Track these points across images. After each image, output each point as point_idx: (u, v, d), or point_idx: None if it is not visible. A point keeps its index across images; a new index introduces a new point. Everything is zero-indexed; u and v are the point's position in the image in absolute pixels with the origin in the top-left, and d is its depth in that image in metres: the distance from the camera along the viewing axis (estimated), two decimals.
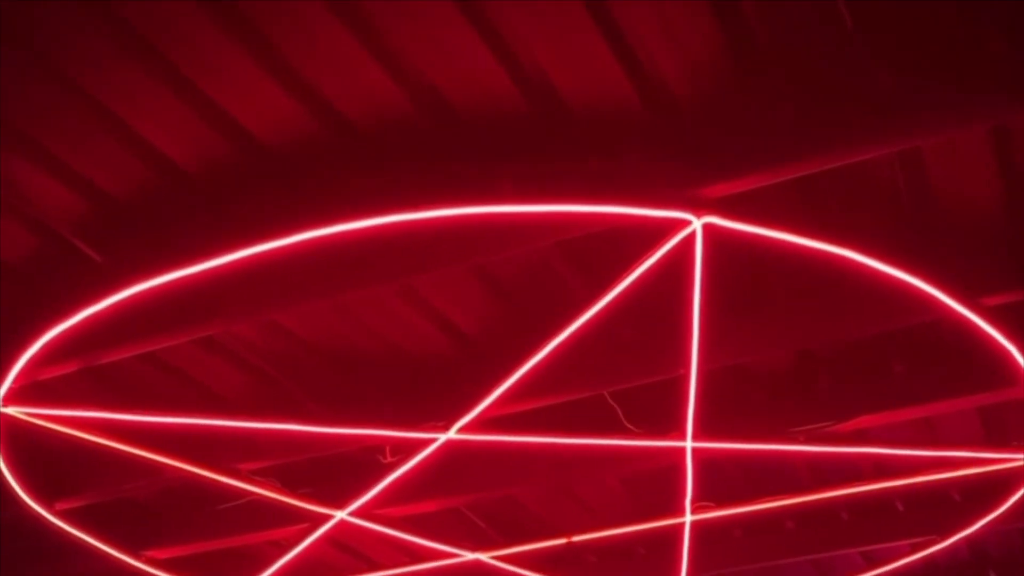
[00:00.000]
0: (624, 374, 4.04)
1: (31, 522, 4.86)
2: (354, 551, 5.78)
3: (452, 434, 4.18)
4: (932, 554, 5.39)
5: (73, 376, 4.06)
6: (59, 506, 4.89)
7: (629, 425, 4.29)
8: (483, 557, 5.31)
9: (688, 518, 4.91)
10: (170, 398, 4.29)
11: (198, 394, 4.32)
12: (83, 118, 3.09)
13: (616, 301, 3.51)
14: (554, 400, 4.11)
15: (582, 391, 4.11)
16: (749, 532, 5.62)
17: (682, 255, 3.30)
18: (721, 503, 4.91)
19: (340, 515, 4.83)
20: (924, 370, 4.18)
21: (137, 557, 5.33)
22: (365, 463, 4.59)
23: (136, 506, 5.30)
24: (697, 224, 3.16)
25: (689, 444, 4.28)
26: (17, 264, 3.61)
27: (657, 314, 3.66)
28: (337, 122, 3.09)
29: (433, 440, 4.23)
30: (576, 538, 5.19)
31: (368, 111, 3.05)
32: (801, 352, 4.26)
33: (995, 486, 4.63)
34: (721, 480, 4.92)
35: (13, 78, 2.97)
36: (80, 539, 4.97)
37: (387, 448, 4.47)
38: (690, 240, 3.23)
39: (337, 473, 4.76)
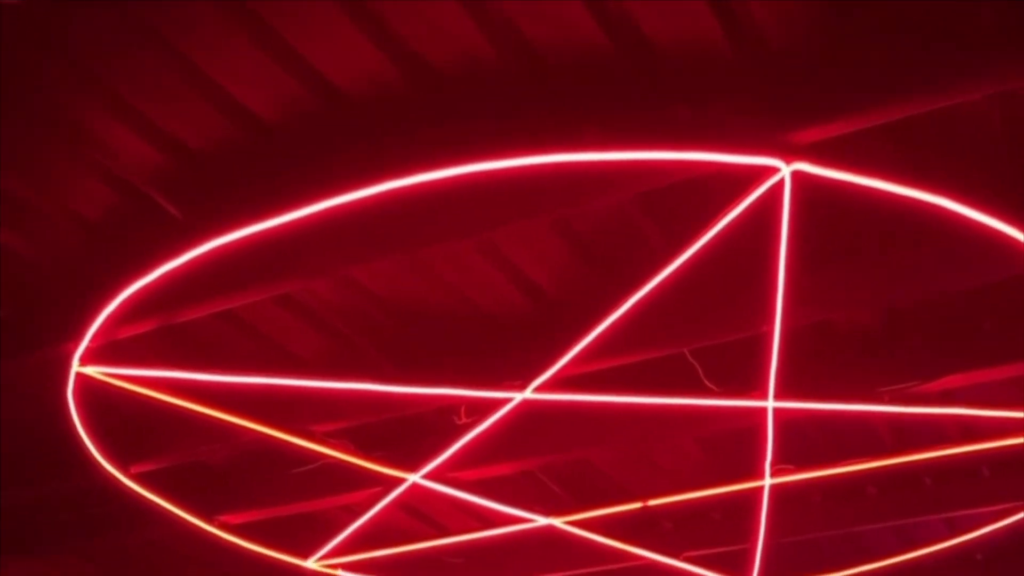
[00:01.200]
0: (705, 331, 4.02)
1: (106, 486, 4.95)
2: (425, 516, 5.82)
3: (528, 394, 4.19)
4: (1017, 522, 5.31)
5: (150, 335, 4.12)
6: (134, 469, 4.97)
7: (709, 384, 4.26)
8: (556, 522, 5.32)
9: (767, 481, 4.88)
10: (246, 358, 4.33)
11: (274, 354, 4.36)
12: (163, 70, 3.12)
13: (699, 255, 3.49)
14: (632, 359, 4.09)
15: (662, 349, 4.08)
16: (829, 497, 5.57)
17: (769, 206, 3.27)
18: (801, 466, 4.89)
19: (413, 478, 4.86)
20: (1016, 328, 4.10)
21: (211, 522, 5.40)
22: (439, 425, 4.61)
23: (210, 470, 5.37)
24: (786, 171, 3.12)
25: (771, 404, 4.26)
26: (96, 220, 3.67)
27: (741, 269, 3.62)
28: (420, 71, 3.09)
29: (508, 400, 4.25)
30: (652, 502, 5.18)
31: (451, 59, 3.04)
32: (888, 309, 4.21)
33: None
34: (802, 442, 4.90)
35: (93, 30, 3.01)
36: (154, 504, 5.06)
37: (462, 409, 4.49)
38: (778, 189, 3.20)
39: (411, 436, 4.79)
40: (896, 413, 4.49)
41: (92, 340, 3.92)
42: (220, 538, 5.41)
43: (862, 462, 4.89)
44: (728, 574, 5.71)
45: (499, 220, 3.36)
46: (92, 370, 4.12)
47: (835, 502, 5.60)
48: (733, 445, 5.04)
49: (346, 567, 5.69)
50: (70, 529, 5.95)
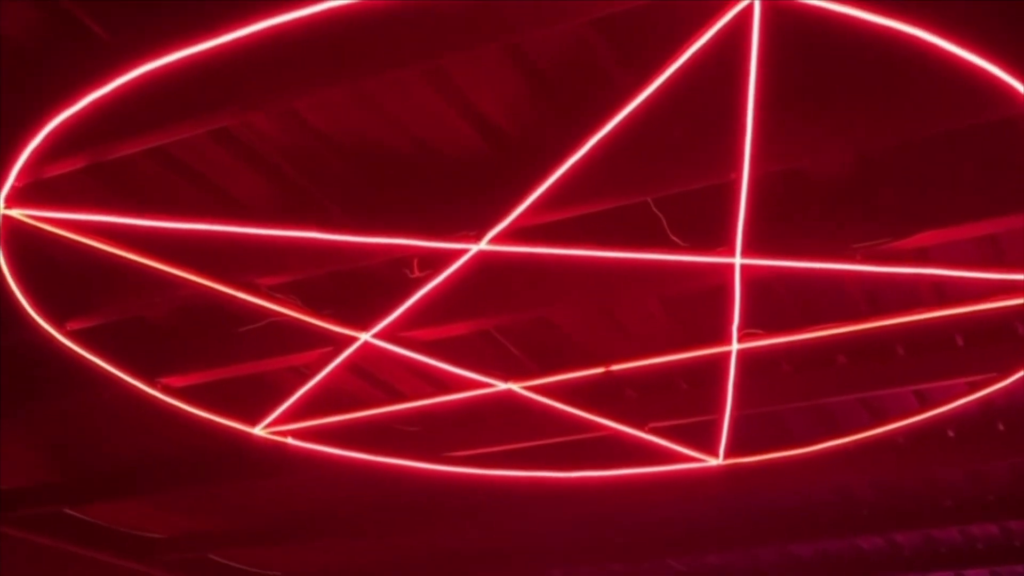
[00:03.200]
0: (670, 178, 3.97)
1: (40, 345, 4.88)
2: (377, 380, 5.82)
3: (484, 245, 4.13)
4: (990, 394, 5.34)
5: (80, 176, 4.04)
6: (70, 326, 4.90)
7: (674, 238, 4.23)
8: (515, 387, 5.31)
9: (735, 346, 4.88)
10: (185, 203, 4.26)
11: (215, 199, 4.29)
12: None
13: (663, 92, 3.41)
14: (594, 207, 4.05)
15: (625, 197, 4.04)
16: (798, 367, 5.61)
17: (737, 37, 3.19)
18: (770, 331, 4.88)
19: (364, 337, 4.81)
20: (996, 180, 4.07)
21: (152, 385, 5.36)
22: (391, 280, 4.58)
23: (151, 328, 5.32)
24: None
25: (738, 260, 4.22)
26: (15, 41, 3.54)
27: (707, 110, 3.57)
28: None
29: (463, 252, 4.20)
30: (615, 367, 5.18)
31: None
32: (862, 157, 4.16)
33: None
34: (771, 306, 4.89)
35: None
36: (93, 364, 4.99)
37: (415, 261, 4.44)
38: (747, 16, 3.13)
39: (361, 292, 4.75)
40: (868, 273, 4.48)
41: (17, 179, 3.82)
42: (162, 402, 5.38)
43: (833, 326, 4.89)
44: (694, 447, 5.77)
45: (448, 46, 3.28)
46: (18, 212, 4.02)
47: (804, 372, 5.64)
48: (699, 308, 5.05)
49: (296, 434, 5.69)
50: (4, 394, 5.91)
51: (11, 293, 4.41)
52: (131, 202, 4.23)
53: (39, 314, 4.63)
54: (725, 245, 4.12)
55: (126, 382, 5.18)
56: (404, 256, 4.40)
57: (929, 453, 6.63)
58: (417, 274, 4.47)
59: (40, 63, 3.54)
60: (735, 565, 9.18)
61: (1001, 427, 6.50)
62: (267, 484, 7.15)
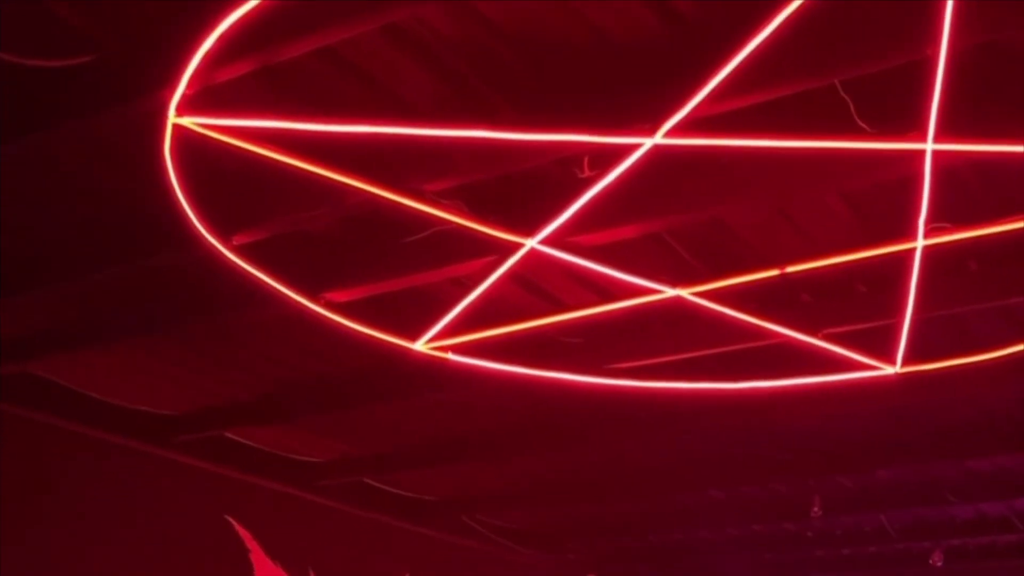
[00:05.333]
0: (859, 57, 3.86)
1: (205, 261, 5.01)
2: (541, 290, 5.85)
3: (659, 138, 4.10)
4: None
5: (248, 81, 4.11)
6: (235, 240, 5.02)
7: (861, 123, 4.13)
8: (684, 293, 5.27)
9: (920, 242, 4.77)
10: (351, 104, 4.30)
11: (382, 100, 4.33)
12: None
13: None
14: (777, 93, 3.97)
15: (810, 80, 3.95)
16: (986, 263, 5.45)
17: None
18: (959, 225, 4.76)
19: (530, 243, 4.82)
20: None
21: (316, 301, 5.46)
22: (560, 182, 4.57)
23: (314, 242, 5.40)
24: None
25: (930, 146, 4.11)
26: None
27: None
28: None
29: (637, 146, 4.16)
30: (790, 269, 5.11)
31: None
32: None
33: None
34: (960, 198, 4.76)
35: None
36: (256, 280, 5.10)
37: (585, 159, 4.43)
38: None
39: (529, 196, 4.75)
40: None
41: (188, 85, 3.90)
42: (325, 319, 5.49)
43: None
44: (870, 355, 5.68)
45: None
46: (189, 121, 4.11)
47: (992, 269, 5.47)
48: (883, 203, 4.94)
49: (457, 349, 5.75)
50: (165, 311, 6.10)
51: (179, 207, 4.52)
52: (299, 107, 4.28)
53: (206, 228, 4.75)
54: (916, 130, 4.02)
55: (290, 298, 5.30)
56: (574, 155, 4.40)
57: None
58: (587, 173, 4.45)
59: None
60: (908, 481, 9.05)
61: None
62: (426, 404, 7.28)
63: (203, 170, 4.38)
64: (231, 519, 8.46)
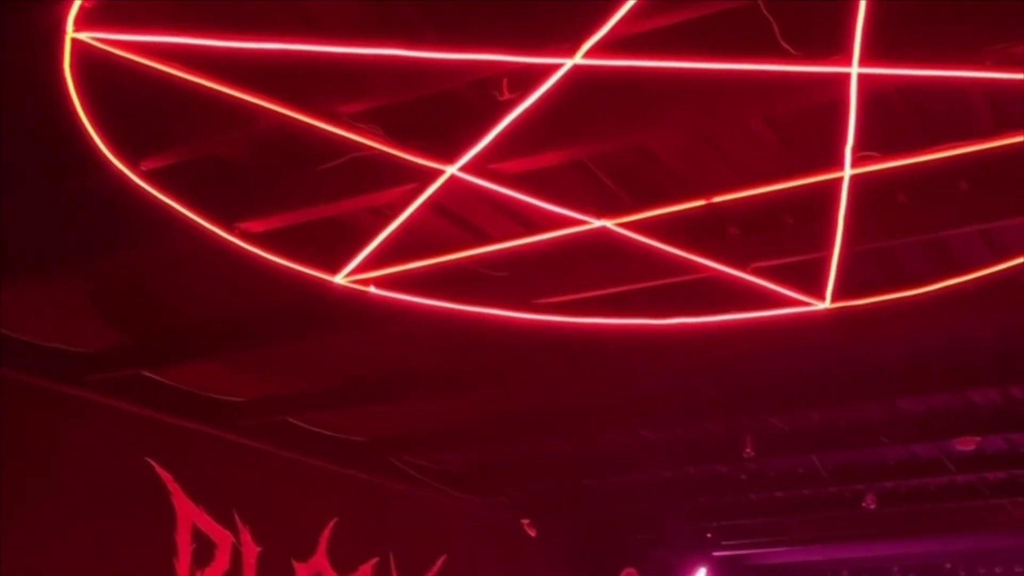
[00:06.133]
0: None
1: (111, 189, 4.89)
2: (464, 221, 5.79)
3: (578, 59, 4.04)
4: None
5: None
6: (144, 166, 4.90)
7: (786, 45, 4.09)
8: (610, 224, 5.23)
9: (847, 171, 4.75)
10: (262, 20, 4.20)
11: (294, 15, 4.23)
12: None
13: None
14: (697, 12, 3.94)
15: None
16: (916, 196, 5.46)
17: None
18: (887, 154, 4.75)
19: (451, 170, 4.75)
20: None
21: (230, 230, 5.36)
22: (479, 105, 4.50)
23: (227, 168, 5.30)
24: None
25: (855, 69, 4.09)
26: None
27: None
28: None
29: (557, 67, 4.10)
30: (717, 199, 5.08)
31: None
32: None
33: None
34: (888, 125, 4.75)
35: None
36: (167, 208, 4.96)
37: (504, 81, 4.36)
38: None
39: (447, 121, 4.68)
40: (998, 81, 4.33)
41: None
42: (240, 250, 5.38)
43: (956, 146, 4.73)
44: (800, 290, 5.68)
45: None
46: (88, 36, 3.98)
47: (922, 202, 5.49)
48: (809, 130, 4.92)
49: (378, 283, 5.68)
50: (70, 245, 5.96)
51: (82, 129, 4.39)
52: (206, 23, 4.16)
53: (112, 152, 4.63)
54: (841, 53, 3.99)
55: (203, 227, 5.19)
56: (494, 76, 4.33)
57: None
58: (507, 96, 4.38)
59: None
60: (840, 423, 9.16)
61: None
62: (348, 341, 7.22)
63: (107, 90, 4.25)
64: (151, 461, 8.37)
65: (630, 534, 12.69)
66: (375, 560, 10.21)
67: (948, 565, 14.39)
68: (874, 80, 4.15)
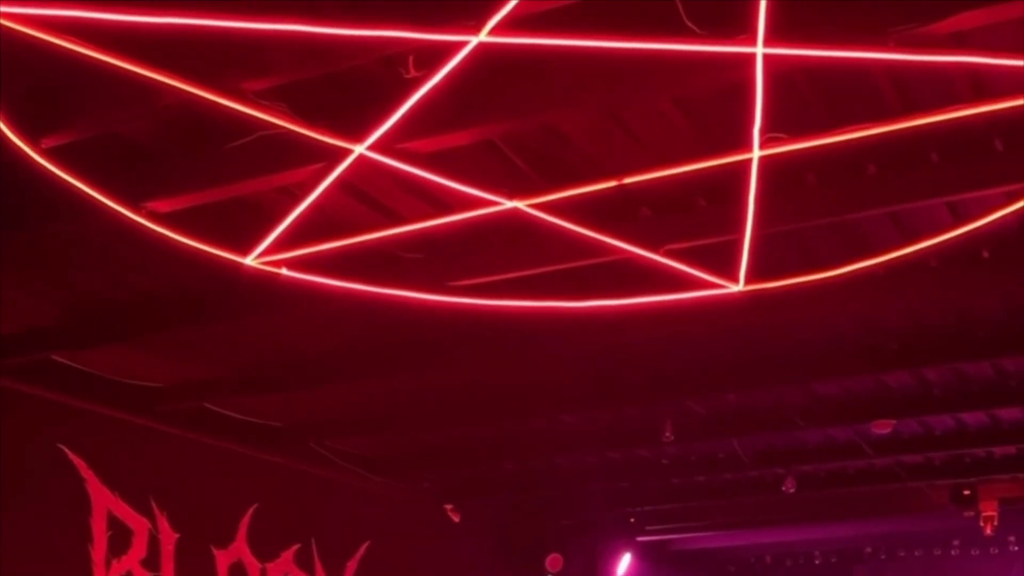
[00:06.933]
0: None
1: (10, 167, 4.79)
2: (375, 201, 5.75)
3: (484, 36, 4.02)
4: None
5: None
6: (44, 143, 4.81)
7: (691, 24, 4.11)
8: (521, 205, 5.22)
9: (756, 153, 4.78)
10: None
11: None
12: None
13: None
14: None
15: None
16: (825, 178, 5.52)
17: None
18: (795, 136, 4.78)
19: (359, 149, 4.72)
20: None
21: (136, 210, 5.28)
22: (385, 83, 4.47)
23: (132, 147, 5.23)
24: None
25: (760, 49, 4.11)
26: None
27: None
28: None
29: (463, 44, 4.08)
30: (628, 180, 5.09)
31: None
32: None
33: None
34: (795, 106, 4.79)
35: None
36: (70, 187, 4.88)
37: (410, 58, 4.34)
38: None
39: (355, 99, 4.65)
40: (902, 62, 4.38)
41: None
42: (147, 231, 5.31)
43: (864, 127, 4.78)
44: (713, 272, 5.71)
45: None
46: None
47: (831, 185, 5.55)
48: (718, 111, 4.95)
49: (289, 264, 5.63)
50: None
51: None
52: None
53: (11, 129, 4.54)
54: (746, 33, 4.01)
55: (108, 207, 5.11)
56: (400, 53, 4.30)
57: (963, 277, 6.59)
58: (413, 73, 4.36)
59: None
60: (758, 407, 9.25)
61: None
62: (264, 324, 7.16)
63: (5, 65, 4.17)
64: (64, 448, 8.24)
65: (554, 520, 12.72)
66: (297, 547, 10.14)
67: (868, 549, 14.62)
68: (780, 61, 4.18)
